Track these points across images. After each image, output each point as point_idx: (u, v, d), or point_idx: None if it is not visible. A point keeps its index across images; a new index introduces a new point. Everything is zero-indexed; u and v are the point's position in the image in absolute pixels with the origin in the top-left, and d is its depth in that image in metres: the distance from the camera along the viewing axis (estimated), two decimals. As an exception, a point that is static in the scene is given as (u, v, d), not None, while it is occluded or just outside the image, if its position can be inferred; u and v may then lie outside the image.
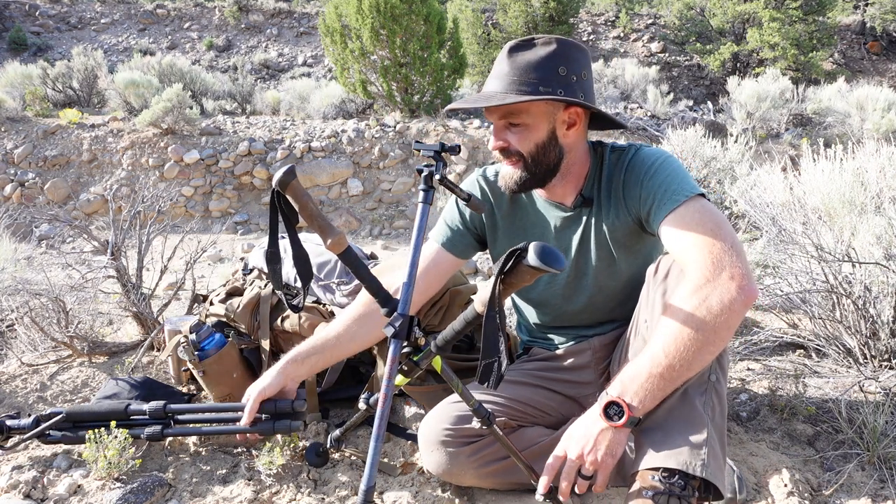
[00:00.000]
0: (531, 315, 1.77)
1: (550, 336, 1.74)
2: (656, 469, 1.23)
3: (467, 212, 1.68)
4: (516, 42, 1.45)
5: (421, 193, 1.28)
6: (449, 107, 1.53)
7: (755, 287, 1.22)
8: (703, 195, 1.38)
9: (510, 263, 1.08)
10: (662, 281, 1.38)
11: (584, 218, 1.56)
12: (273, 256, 1.32)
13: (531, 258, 1.03)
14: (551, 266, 1.03)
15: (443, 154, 1.30)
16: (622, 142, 1.65)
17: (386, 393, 1.15)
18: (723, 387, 1.31)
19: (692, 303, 1.21)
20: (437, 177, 1.28)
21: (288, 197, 1.20)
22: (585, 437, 1.23)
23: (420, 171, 1.30)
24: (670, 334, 1.21)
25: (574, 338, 1.70)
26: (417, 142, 1.31)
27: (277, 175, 1.17)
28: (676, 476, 1.21)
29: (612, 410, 1.21)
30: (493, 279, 1.10)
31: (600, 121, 1.57)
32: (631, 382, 1.22)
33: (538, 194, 1.61)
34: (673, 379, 1.21)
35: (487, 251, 1.72)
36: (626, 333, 1.56)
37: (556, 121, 1.46)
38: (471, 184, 1.69)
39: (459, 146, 1.35)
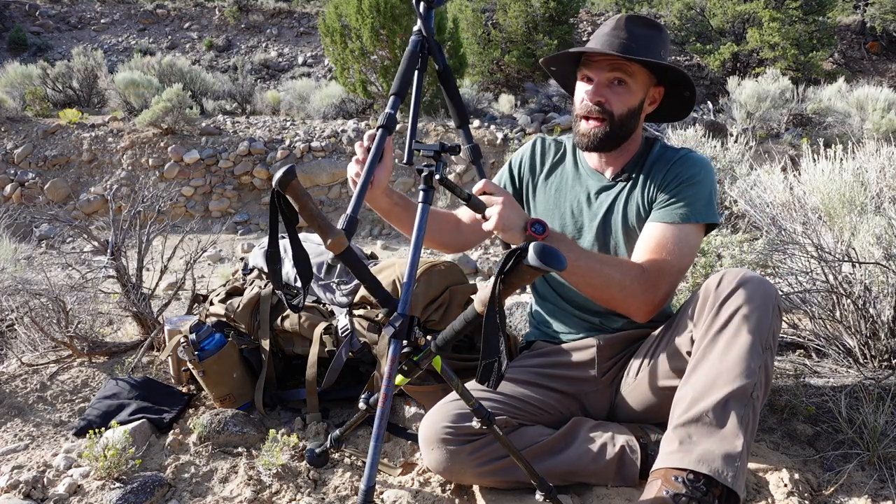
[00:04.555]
0: (548, 292, 1.78)
1: (561, 320, 1.75)
2: (683, 470, 1.24)
3: (516, 177, 1.81)
4: (632, 15, 1.56)
5: (421, 193, 1.29)
6: (577, 49, 1.57)
7: (650, 315, 1.53)
8: (709, 225, 1.58)
9: (510, 263, 1.08)
10: (722, 303, 1.36)
11: (619, 190, 1.65)
12: (273, 256, 1.32)
13: (531, 258, 1.04)
14: (551, 266, 1.03)
15: (442, 154, 1.31)
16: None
17: (386, 393, 1.15)
18: (760, 404, 1.33)
19: (634, 277, 1.46)
20: (437, 177, 1.28)
21: (288, 197, 1.20)
22: (506, 205, 1.37)
23: (420, 171, 1.30)
24: (611, 272, 1.46)
25: (582, 329, 1.71)
26: (417, 142, 1.32)
27: (277, 175, 1.17)
28: (701, 481, 1.23)
29: (539, 227, 1.38)
30: (493, 279, 1.10)
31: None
32: (557, 240, 1.42)
33: (585, 161, 1.72)
34: (576, 281, 1.48)
35: None
36: (654, 338, 1.59)
37: (647, 94, 1.58)
38: (527, 145, 1.82)
39: (459, 146, 1.35)
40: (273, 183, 1.18)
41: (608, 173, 1.67)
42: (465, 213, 1.80)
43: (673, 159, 1.60)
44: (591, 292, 1.52)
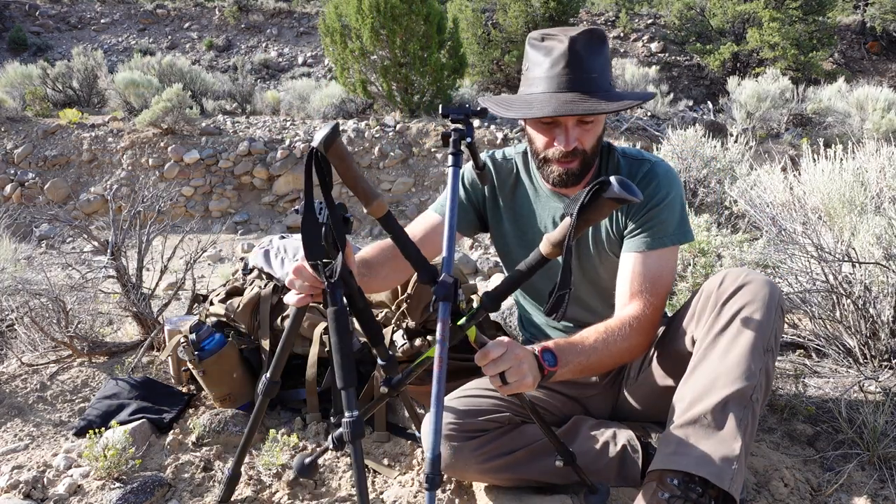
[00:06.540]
0: (533, 313, 1.78)
1: (550, 335, 1.74)
2: (678, 472, 1.24)
3: (470, 189, 1.70)
4: (576, 37, 1.40)
5: (450, 157, 1.23)
6: (537, 115, 1.40)
7: (648, 348, 1.52)
8: (682, 242, 1.52)
9: (587, 198, 1.08)
10: (724, 303, 1.36)
11: None
12: (312, 224, 1.19)
13: (615, 189, 1.04)
14: (633, 195, 1.05)
15: (469, 117, 1.24)
16: (628, 145, 1.68)
17: (441, 356, 1.11)
18: (759, 407, 1.31)
19: (623, 337, 1.41)
20: (468, 140, 1.22)
21: (330, 158, 1.09)
22: (518, 359, 1.27)
23: (448, 136, 1.22)
24: (601, 346, 1.39)
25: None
26: (444, 106, 1.26)
27: (321, 133, 1.05)
28: (697, 484, 1.22)
29: (549, 357, 1.31)
30: (568, 218, 1.10)
31: None
32: (566, 354, 1.34)
33: (544, 185, 1.62)
34: (593, 371, 1.46)
35: (489, 235, 1.75)
36: (655, 337, 1.57)
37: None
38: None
39: (486, 109, 1.33)
40: (314, 143, 1.05)
41: (570, 194, 1.59)
42: (419, 228, 1.65)
43: (636, 177, 1.52)
44: (607, 370, 1.56)
